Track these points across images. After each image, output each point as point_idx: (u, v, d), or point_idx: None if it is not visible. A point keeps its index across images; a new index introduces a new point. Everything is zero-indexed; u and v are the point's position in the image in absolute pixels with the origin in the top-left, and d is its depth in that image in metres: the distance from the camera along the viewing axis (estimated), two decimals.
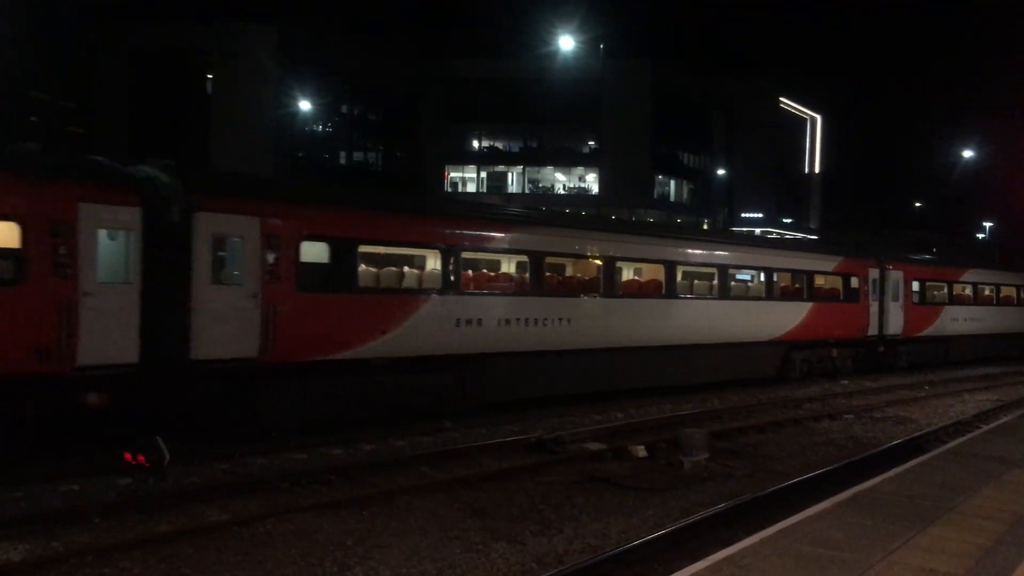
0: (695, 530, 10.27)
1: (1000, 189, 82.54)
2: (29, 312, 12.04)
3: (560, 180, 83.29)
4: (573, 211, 55.57)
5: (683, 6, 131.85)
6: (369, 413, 16.04)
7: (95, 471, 12.19)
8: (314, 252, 15.26)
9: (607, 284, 20.59)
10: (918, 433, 18.06)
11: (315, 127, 71.15)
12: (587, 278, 20.90)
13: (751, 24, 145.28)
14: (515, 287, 19.08)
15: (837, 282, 28.35)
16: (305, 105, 63.15)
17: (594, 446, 15.49)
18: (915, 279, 32.02)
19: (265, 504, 11.16)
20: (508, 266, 19.99)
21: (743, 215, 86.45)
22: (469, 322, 17.38)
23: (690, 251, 23.39)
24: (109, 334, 12.68)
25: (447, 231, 17.53)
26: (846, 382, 27.47)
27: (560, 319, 19.20)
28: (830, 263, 28.15)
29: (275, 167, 60.82)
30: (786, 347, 26.22)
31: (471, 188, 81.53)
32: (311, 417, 15.14)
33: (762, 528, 9.19)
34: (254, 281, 14.26)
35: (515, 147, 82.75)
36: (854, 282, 28.35)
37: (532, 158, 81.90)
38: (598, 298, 20.39)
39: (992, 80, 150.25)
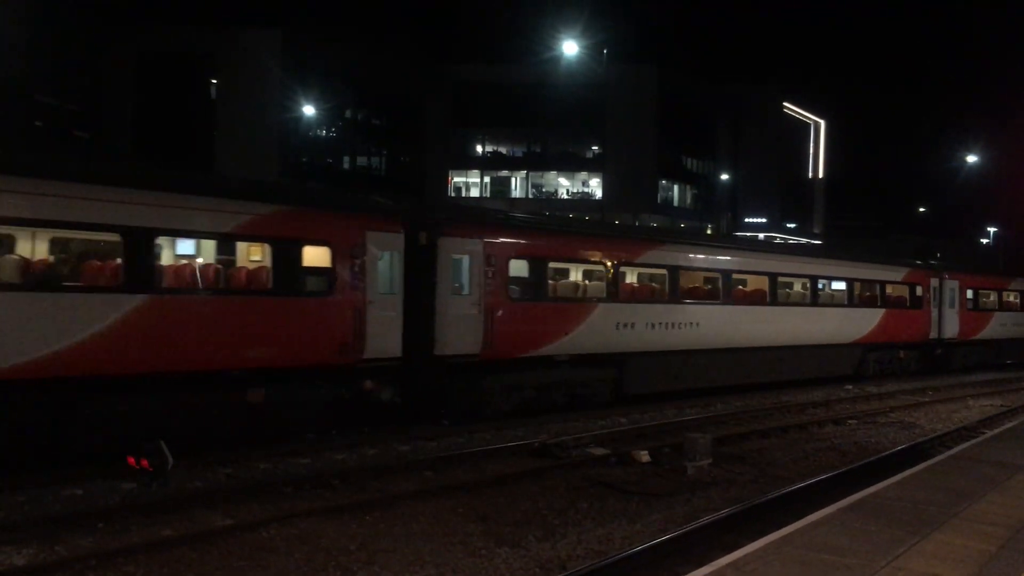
0: (699, 536, 10.25)
1: (1005, 194, 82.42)
2: (336, 316, 15.39)
3: (564, 185, 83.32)
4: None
5: (687, 11, 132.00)
6: (559, 400, 19.54)
7: (98, 475, 12.20)
8: (519, 268, 18.79)
9: (725, 293, 23.76)
10: (922, 438, 18.03)
11: (319, 131, 71.23)
12: (709, 288, 23.95)
13: (755, 29, 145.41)
14: (657, 296, 22.30)
15: (904, 291, 31.52)
16: (309, 110, 63.23)
17: (598, 451, 15.48)
18: (969, 288, 35.20)
19: (268, 509, 11.16)
20: (652, 278, 22.97)
21: (747, 220, 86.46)
22: (625, 325, 20.70)
23: (788, 264, 26.86)
24: (384, 334, 15.96)
25: (610, 249, 21.08)
26: (849, 387, 27.50)
27: (691, 323, 22.38)
28: (899, 274, 31.51)
29: (279, 171, 60.92)
30: (863, 349, 29.50)
31: (474, 193, 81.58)
32: (518, 402, 18.67)
33: (766, 534, 9.17)
34: (478, 292, 17.60)
35: (519, 152, 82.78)
36: (918, 291, 31.76)
37: (536, 163, 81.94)
38: (718, 305, 23.52)
39: (996, 85, 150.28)
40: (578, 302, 20.10)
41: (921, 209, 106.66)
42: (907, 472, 12.46)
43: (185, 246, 14.75)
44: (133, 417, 12.91)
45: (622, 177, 74.77)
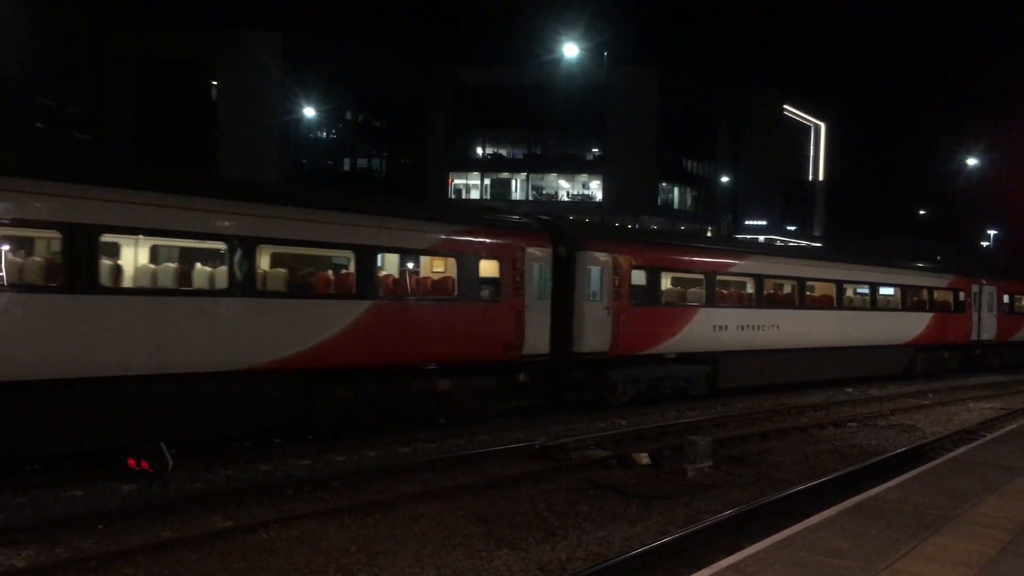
0: (699, 538, 10.25)
1: (1005, 197, 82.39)
2: (502, 319, 18.09)
3: (564, 187, 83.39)
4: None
5: (688, 14, 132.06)
6: (667, 392, 22.40)
7: (98, 477, 12.21)
8: (638, 278, 21.37)
9: (799, 299, 26.57)
10: (922, 441, 18.03)
11: (319, 134, 71.32)
12: (787, 294, 26.73)
13: (756, 32, 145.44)
14: (746, 301, 24.82)
15: (949, 296, 33.94)
16: (309, 112, 63.30)
17: (598, 453, 15.49)
18: (1005, 293, 37.76)
19: (269, 511, 11.16)
20: (742, 285, 25.50)
21: (747, 222, 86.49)
22: (720, 327, 23.33)
23: (850, 272, 29.42)
24: (537, 334, 18.67)
25: (708, 260, 23.88)
26: (850, 390, 27.53)
27: (773, 326, 25.07)
28: (944, 280, 33.97)
29: (279, 173, 60.98)
30: (913, 349, 31.96)
31: (475, 195, 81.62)
32: (634, 393, 21.45)
33: (766, 536, 9.18)
34: (607, 298, 20.21)
35: (519, 154, 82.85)
36: (961, 296, 34.12)
37: (536, 165, 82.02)
38: (794, 310, 26.33)
39: (997, 88, 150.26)
40: (683, 307, 22.88)
41: (921, 212, 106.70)
42: (907, 475, 12.47)
43: (391, 260, 17.26)
44: (357, 402, 15.81)
45: (622, 179, 74.85)
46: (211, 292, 13.96)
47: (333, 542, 9.98)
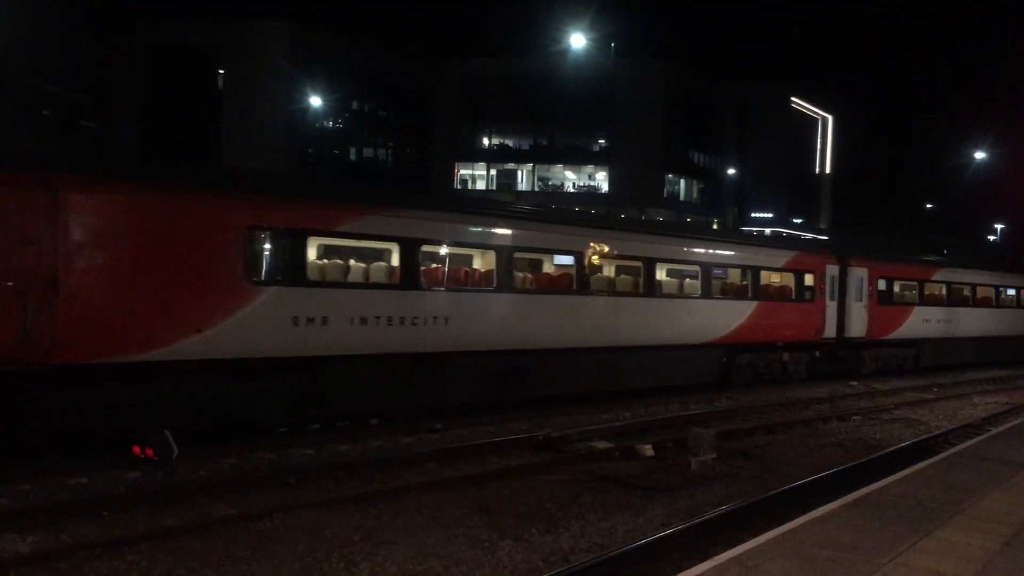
0: (702, 530, 10.26)
1: (1012, 191, 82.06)
2: (816, 313, 26.97)
3: (570, 178, 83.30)
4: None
5: (696, 6, 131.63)
6: (891, 367, 31.40)
7: (104, 465, 12.25)
8: (881, 285, 30.06)
9: (953, 297, 34.31)
10: (926, 435, 18.00)
11: (326, 123, 71.28)
12: (965, 295, 35.21)
13: (764, 24, 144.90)
14: (939, 301, 33.39)
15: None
16: (316, 101, 63.28)
17: (601, 445, 15.49)
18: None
19: (272, 499, 11.20)
20: (938, 289, 33.80)
21: (753, 215, 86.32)
22: (925, 321, 32.25)
23: (964, 276, 35.70)
24: (831, 324, 27.36)
25: (921, 272, 33.12)
26: (855, 383, 27.52)
27: (951, 320, 33.70)
28: (1006, 279, 39.49)
29: (286, 163, 60.97)
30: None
31: (480, 186, 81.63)
32: (874, 367, 30.50)
33: (769, 529, 9.19)
34: (865, 299, 28.90)
35: (525, 145, 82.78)
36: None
37: (542, 156, 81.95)
38: (956, 308, 34.18)
39: (1005, 81, 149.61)
40: (904, 305, 31.64)
41: (928, 206, 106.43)
42: (911, 469, 12.45)
43: (765, 275, 25.68)
44: (750, 366, 24.87)
45: (629, 171, 74.60)
46: (689, 296, 22.56)
47: (336, 531, 10.00)
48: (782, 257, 26.63)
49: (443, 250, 17.35)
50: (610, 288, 21.10)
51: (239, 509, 10.72)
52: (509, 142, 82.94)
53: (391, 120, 75.43)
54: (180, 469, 12.21)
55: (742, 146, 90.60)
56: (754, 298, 24.60)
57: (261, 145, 60.09)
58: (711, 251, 23.85)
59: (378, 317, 15.64)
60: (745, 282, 24.55)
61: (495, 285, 17.90)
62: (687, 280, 23.05)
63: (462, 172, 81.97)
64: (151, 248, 12.91)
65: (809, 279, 26.61)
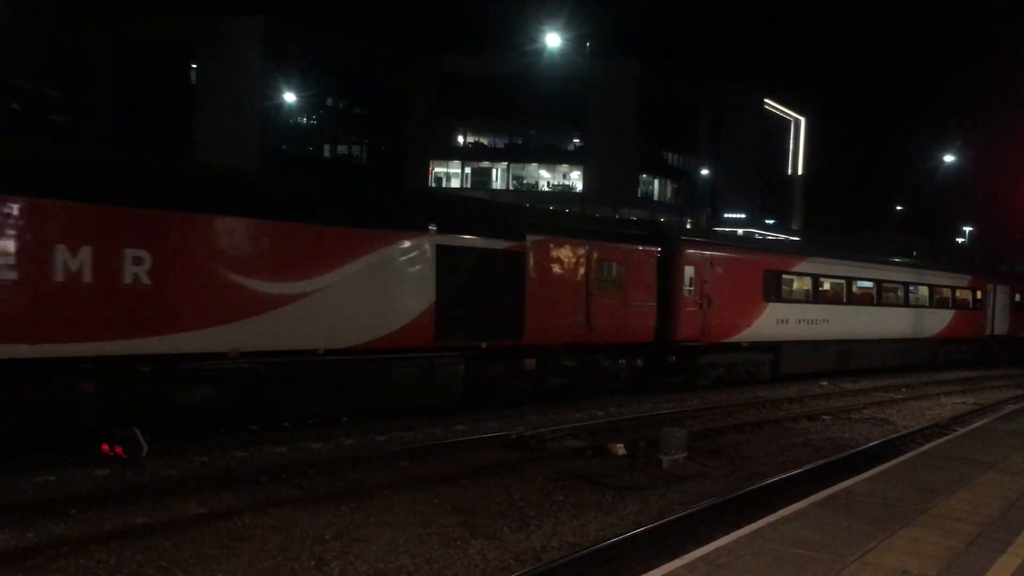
0: (673, 528, 10.32)
1: (981, 194, 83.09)
2: (979, 320, 38.33)
3: (544, 177, 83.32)
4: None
5: (670, 7, 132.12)
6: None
7: (72, 462, 12.13)
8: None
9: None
10: (894, 435, 18.20)
11: (300, 120, 70.88)
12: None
13: (737, 26, 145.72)
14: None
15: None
16: (290, 98, 62.88)
17: (574, 444, 15.54)
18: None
19: (243, 497, 11.13)
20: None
21: (726, 215, 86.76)
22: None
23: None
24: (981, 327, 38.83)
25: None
26: (824, 383, 27.77)
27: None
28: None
29: (259, 159, 60.55)
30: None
31: (455, 184, 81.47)
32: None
33: (739, 527, 9.26)
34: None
35: (500, 143, 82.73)
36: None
37: (517, 155, 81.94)
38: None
39: (975, 86, 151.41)
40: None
41: (899, 207, 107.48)
42: (879, 468, 12.60)
43: (953, 293, 36.59)
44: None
45: (603, 170, 74.70)
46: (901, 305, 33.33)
47: (308, 529, 9.97)
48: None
49: (824, 281, 29.66)
50: (887, 301, 33.07)
51: (209, 507, 10.66)
52: (484, 140, 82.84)
53: (366, 117, 75.09)
54: (150, 467, 12.12)
55: (716, 147, 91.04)
56: None
57: (234, 141, 59.65)
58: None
59: (799, 320, 27.77)
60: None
61: (844, 300, 30.49)
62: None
63: (436, 170, 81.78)
64: (729, 282, 24.56)
65: (972, 295, 35.04)
